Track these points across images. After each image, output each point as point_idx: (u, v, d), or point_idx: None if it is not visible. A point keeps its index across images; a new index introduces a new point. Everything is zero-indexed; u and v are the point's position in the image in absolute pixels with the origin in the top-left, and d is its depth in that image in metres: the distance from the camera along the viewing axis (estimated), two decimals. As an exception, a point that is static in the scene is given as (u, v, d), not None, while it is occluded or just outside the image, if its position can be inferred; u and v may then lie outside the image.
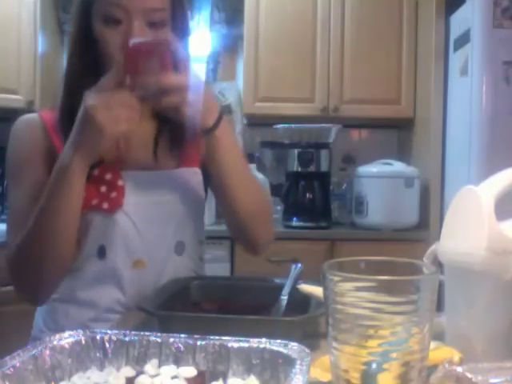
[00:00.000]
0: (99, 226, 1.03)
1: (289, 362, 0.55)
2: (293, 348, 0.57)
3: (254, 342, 0.58)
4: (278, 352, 0.57)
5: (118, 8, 0.97)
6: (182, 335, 0.60)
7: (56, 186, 0.93)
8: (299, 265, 0.97)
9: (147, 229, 1.06)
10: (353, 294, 0.52)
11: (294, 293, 0.89)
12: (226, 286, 1.02)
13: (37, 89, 2.82)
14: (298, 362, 0.54)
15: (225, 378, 0.57)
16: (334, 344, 0.54)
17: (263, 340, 0.58)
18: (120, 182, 1.04)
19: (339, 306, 0.53)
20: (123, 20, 0.98)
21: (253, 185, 1.10)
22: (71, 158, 0.91)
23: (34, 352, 0.55)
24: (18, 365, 0.52)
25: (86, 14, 1.01)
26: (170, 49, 0.90)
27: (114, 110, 0.88)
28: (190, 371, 0.57)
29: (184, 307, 0.91)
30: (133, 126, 0.91)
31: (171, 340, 0.59)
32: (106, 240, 1.04)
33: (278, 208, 2.92)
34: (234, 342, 0.58)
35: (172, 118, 0.96)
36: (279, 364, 0.56)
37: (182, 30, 1.05)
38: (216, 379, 0.56)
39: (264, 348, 0.57)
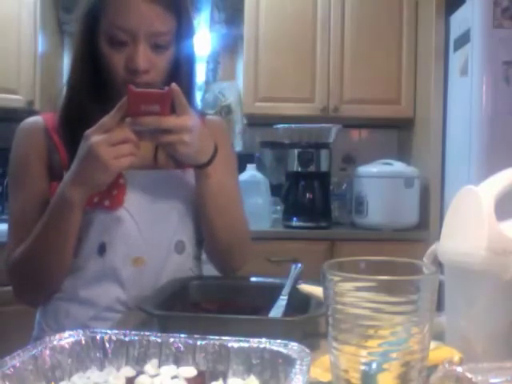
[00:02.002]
0: (100, 223, 1.05)
1: (289, 362, 0.55)
2: (293, 348, 0.57)
3: (254, 342, 0.58)
4: (278, 352, 0.57)
5: (123, 31, 1.00)
6: (182, 335, 0.60)
7: (54, 217, 0.98)
8: (299, 265, 0.97)
9: (148, 227, 1.07)
10: (353, 293, 0.52)
11: (294, 293, 0.89)
12: (226, 286, 1.02)
13: (37, 89, 2.82)
14: (298, 362, 0.54)
15: (225, 378, 0.57)
16: (334, 344, 0.54)
17: (263, 340, 0.58)
18: (121, 181, 1.05)
19: (339, 306, 0.53)
20: (128, 42, 1.00)
21: (233, 221, 1.12)
22: (72, 193, 0.95)
23: (34, 352, 0.55)
24: (18, 365, 0.52)
25: (92, 30, 1.03)
26: (171, 98, 0.93)
27: (117, 147, 0.91)
28: (190, 371, 0.57)
29: (184, 307, 0.91)
30: (134, 160, 0.94)
31: (171, 340, 0.59)
32: (106, 237, 1.05)
33: (278, 208, 2.92)
34: (233, 342, 0.58)
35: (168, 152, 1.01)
36: (279, 364, 0.56)
37: (187, 47, 1.08)
38: (216, 379, 0.56)
39: (264, 348, 0.57)
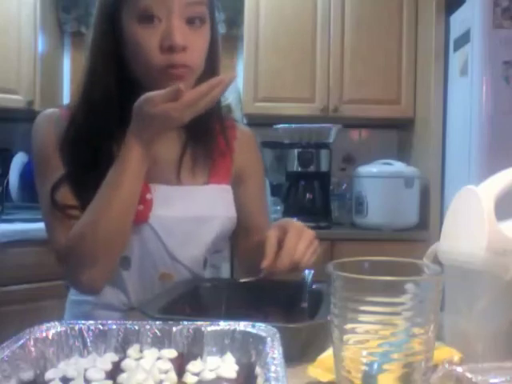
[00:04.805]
0: None
1: (259, 340, 0.58)
2: (260, 328, 0.61)
3: (225, 325, 0.62)
4: (248, 332, 0.60)
5: (155, 3, 0.90)
6: (158, 322, 0.63)
7: (118, 172, 0.91)
8: (312, 271, 0.96)
9: (175, 245, 1.03)
10: (356, 294, 0.52)
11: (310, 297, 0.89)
12: (237, 289, 0.97)
13: (37, 89, 2.82)
14: (269, 339, 0.57)
15: (201, 358, 0.60)
16: (338, 344, 0.54)
17: (232, 322, 0.62)
18: (148, 196, 1.00)
19: (343, 307, 0.53)
20: (161, 18, 0.91)
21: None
22: (134, 148, 0.90)
23: (19, 343, 0.56)
24: (9, 355, 0.54)
25: (114, 11, 0.94)
26: None
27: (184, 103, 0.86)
28: (171, 353, 0.59)
29: (192, 311, 0.89)
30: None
31: (148, 327, 0.62)
32: (130, 252, 1.00)
33: (278, 208, 2.92)
34: (206, 326, 0.62)
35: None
36: (250, 342, 0.59)
37: (215, 29, 1.01)
38: (194, 359, 0.59)
39: (235, 329, 0.61)
